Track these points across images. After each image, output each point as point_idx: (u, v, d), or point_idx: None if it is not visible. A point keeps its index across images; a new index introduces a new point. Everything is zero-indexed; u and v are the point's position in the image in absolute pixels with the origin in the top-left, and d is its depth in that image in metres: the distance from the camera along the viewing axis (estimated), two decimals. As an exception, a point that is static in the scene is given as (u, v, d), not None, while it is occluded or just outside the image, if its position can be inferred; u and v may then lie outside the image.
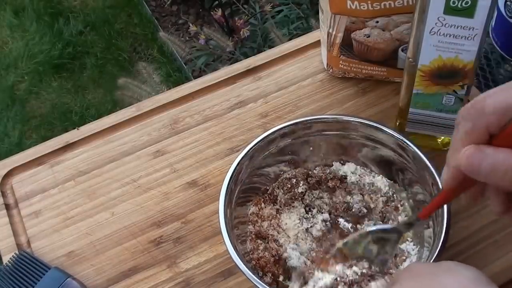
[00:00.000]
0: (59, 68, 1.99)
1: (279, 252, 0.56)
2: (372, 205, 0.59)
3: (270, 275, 0.55)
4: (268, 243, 0.57)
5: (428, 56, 0.55)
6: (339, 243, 0.53)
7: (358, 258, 0.52)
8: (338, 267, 0.52)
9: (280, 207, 0.60)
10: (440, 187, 0.43)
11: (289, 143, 0.61)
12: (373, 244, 0.52)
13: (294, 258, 0.56)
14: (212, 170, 0.67)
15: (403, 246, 0.56)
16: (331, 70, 0.73)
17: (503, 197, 0.40)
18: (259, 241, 0.57)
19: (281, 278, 0.55)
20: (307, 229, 0.58)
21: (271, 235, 0.58)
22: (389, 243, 0.51)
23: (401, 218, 0.58)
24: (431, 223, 0.54)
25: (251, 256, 0.56)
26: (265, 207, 0.60)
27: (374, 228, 0.52)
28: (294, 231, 0.58)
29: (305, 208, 0.60)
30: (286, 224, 0.59)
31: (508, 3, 0.70)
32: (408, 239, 0.57)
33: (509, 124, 0.35)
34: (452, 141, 0.39)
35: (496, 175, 0.35)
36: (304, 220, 0.59)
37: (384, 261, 0.52)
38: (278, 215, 0.60)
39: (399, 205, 0.59)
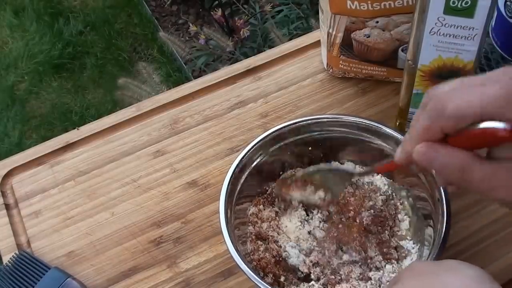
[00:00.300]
0: (59, 68, 1.99)
1: (279, 253, 0.56)
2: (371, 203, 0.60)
3: (271, 275, 0.55)
4: (268, 244, 0.57)
5: (428, 56, 0.55)
6: (300, 172, 0.58)
7: (316, 186, 0.56)
8: (296, 194, 0.57)
9: (280, 208, 0.60)
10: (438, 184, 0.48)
11: (289, 143, 0.61)
12: (331, 178, 0.56)
13: (294, 256, 0.56)
14: (212, 170, 0.67)
15: (403, 243, 0.56)
16: (331, 70, 0.73)
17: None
18: (259, 242, 0.57)
19: (282, 279, 0.55)
20: (309, 232, 0.58)
21: (271, 236, 0.58)
22: (341, 182, 0.56)
23: (401, 217, 0.59)
24: (431, 222, 0.54)
25: (251, 257, 0.56)
26: (265, 209, 0.60)
27: (333, 167, 0.58)
28: (295, 233, 0.59)
29: (305, 210, 0.60)
30: (287, 226, 0.59)
31: (508, 3, 0.70)
32: (408, 237, 0.57)
33: (464, 129, 0.37)
34: (411, 123, 0.41)
35: (445, 172, 0.39)
36: (306, 222, 0.59)
37: (335, 193, 0.57)
38: (277, 217, 0.60)
39: (398, 204, 0.59)
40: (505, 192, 0.37)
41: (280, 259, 0.56)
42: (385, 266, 0.55)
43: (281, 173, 0.62)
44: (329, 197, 0.56)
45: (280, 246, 0.57)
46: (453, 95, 0.38)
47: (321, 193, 0.56)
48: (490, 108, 0.35)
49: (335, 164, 0.61)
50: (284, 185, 0.58)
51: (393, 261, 0.56)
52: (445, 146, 0.38)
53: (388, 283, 0.53)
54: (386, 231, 0.57)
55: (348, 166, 0.62)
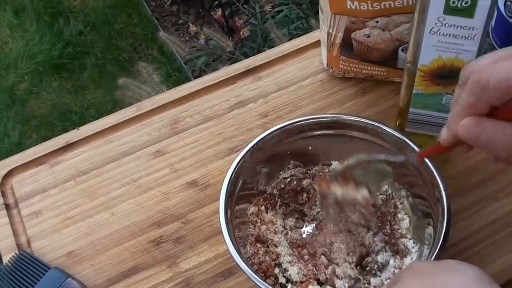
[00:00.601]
0: (59, 68, 1.99)
1: (279, 256, 0.56)
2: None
3: (273, 278, 0.55)
4: (268, 247, 0.57)
5: (428, 56, 0.55)
6: (339, 167, 0.56)
7: (356, 182, 0.54)
8: (338, 190, 0.54)
9: (279, 208, 0.60)
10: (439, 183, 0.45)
11: (289, 142, 0.61)
12: (365, 172, 0.54)
13: (289, 265, 0.56)
14: (212, 170, 0.67)
15: (403, 241, 0.56)
16: (331, 70, 0.73)
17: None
18: (258, 244, 0.57)
19: (283, 281, 0.55)
20: (301, 233, 0.59)
21: (270, 239, 0.58)
22: (378, 176, 0.54)
23: (401, 216, 0.59)
24: (431, 221, 0.54)
25: (252, 260, 0.55)
26: (264, 210, 0.60)
27: (370, 157, 0.54)
28: (291, 234, 0.59)
29: (303, 210, 0.60)
30: (284, 227, 0.59)
31: (508, 3, 0.70)
32: (408, 236, 0.57)
33: (510, 101, 0.36)
34: (454, 102, 0.40)
35: (493, 147, 0.37)
36: (302, 222, 0.59)
37: (378, 187, 0.55)
38: (276, 217, 0.60)
39: (398, 203, 0.59)
40: None
41: (280, 262, 0.56)
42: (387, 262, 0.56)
43: (281, 172, 0.62)
44: (372, 193, 0.54)
45: (278, 249, 0.57)
46: (494, 66, 0.37)
47: (365, 192, 0.54)
48: None
49: (373, 155, 0.57)
50: (324, 181, 0.56)
51: (397, 256, 0.56)
52: (492, 120, 0.37)
53: (388, 282, 0.53)
54: (387, 227, 0.58)
55: (388, 155, 0.58)
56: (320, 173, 0.62)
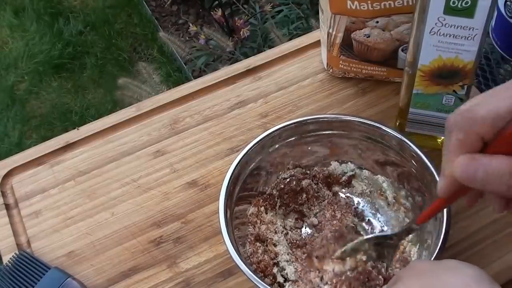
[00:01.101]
0: (59, 68, 1.99)
1: (277, 255, 0.56)
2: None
3: (271, 277, 0.55)
4: (267, 246, 0.57)
5: (428, 56, 0.55)
6: (338, 252, 0.54)
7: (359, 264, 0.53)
8: (337, 267, 0.53)
9: (278, 208, 0.60)
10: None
11: (289, 142, 0.61)
12: (373, 250, 0.52)
13: (286, 264, 0.56)
14: (212, 170, 0.67)
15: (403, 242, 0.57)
16: (331, 70, 0.73)
17: (501, 199, 0.40)
18: (258, 243, 0.57)
19: (281, 280, 0.55)
20: (301, 233, 0.59)
21: (270, 238, 0.58)
22: (387, 248, 0.52)
23: (400, 215, 0.59)
24: (431, 222, 0.54)
25: (251, 259, 0.56)
26: (264, 210, 0.60)
27: (372, 235, 0.53)
28: (291, 234, 0.59)
29: (303, 210, 0.60)
30: (284, 227, 0.59)
31: (508, 3, 0.70)
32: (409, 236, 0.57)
33: (502, 131, 0.35)
34: (444, 150, 0.39)
35: (492, 182, 0.36)
36: (302, 222, 0.59)
37: (384, 266, 0.53)
38: (276, 217, 0.60)
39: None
40: None
41: (279, 261, 0.56)
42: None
43: (280, 173, 0.62)
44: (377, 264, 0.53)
45: (277, 248, 0.57)
46: (479, 104, 0.36)
47: (362, 257, 0.53)
48: None
49: (373, 234, 0.57)
50: (318, 260, 0.55)
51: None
52: (486, 155, 0.36)
53: (388, 282, 0.53)
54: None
55: (387, 230, 0.58)
56: (320, 174, 0.62)
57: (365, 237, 0.53)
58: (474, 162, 0.36)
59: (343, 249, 0.54)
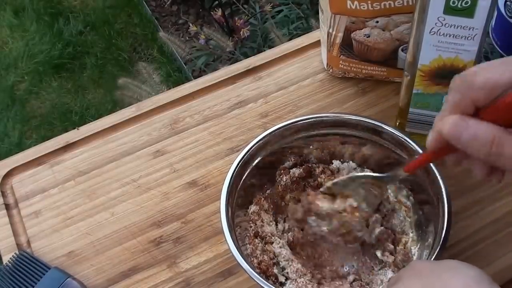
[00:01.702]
0: (59, 68, 1.99)
1: (276, 254, 0.56)
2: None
3: (273, 278, 0.55)
4: (265, 245, 0.57)
5: (428, 56, 0.55)
6: (329, 183, 0.56)
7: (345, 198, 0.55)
8: (325, 204, 0.55)
9: (279, 208, 0.60)
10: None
11: (289, 142, 0.61)
12: (361, 188, 0.54)
13: (283, 259, 0.56)
14: (212, 170, 0.67)
15: (403, 241, 0.56)
16: (331, 70, 0.73)
17: (483, 165, 0.41)
18: (257, 240, 0.57)
19: (282, 279, 0.55)
20: (301, 233, 0.59)
21: (269, 236, 0.58)
22: (375, 191, 0.54)
23: (402, 214, 0.59)
24: (432, 221, 0.54)
25: (251, 259, 0.55)
26: (264, 209, 0.60)
27: (362, 173, 0.56)
28: (291, 234, 0.59)
29: (304, 211, 0.60)
30: (284, 227, 0.59)
31: (508, 3, 0.70)
32: (409, 236, 0.57)
33: (495, 100, 0.37)
34: (442, 106, 0.41)
35: (474, 146, 0.37)
36: (302, 222, 0.59)
37: (370, 205, 0.55)
38: (277, 215, 0.60)
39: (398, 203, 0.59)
40: None
41: (278, 261, 0.56)
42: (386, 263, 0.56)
43: (281, 172, 0.62)
44: (365, 208, 0.55)
45: (277, 247, 0.57)
46: (480, 70, 0.38)
47: (353, 202, 0.55)
48: None
49: (360, 174, 0.59)
50: (311, 195, 0.57)
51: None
52: (475, 118, 0.38)
53: (388, 282, 0.53)
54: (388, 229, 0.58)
55: (376, 173, 0.58)
56: (320, 174, 0.62)
57: (356, 174, 0.55)
58: (462, 123, 0.38)
59: (334, 181, 0.55)
